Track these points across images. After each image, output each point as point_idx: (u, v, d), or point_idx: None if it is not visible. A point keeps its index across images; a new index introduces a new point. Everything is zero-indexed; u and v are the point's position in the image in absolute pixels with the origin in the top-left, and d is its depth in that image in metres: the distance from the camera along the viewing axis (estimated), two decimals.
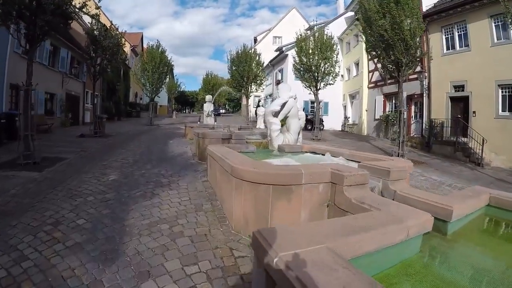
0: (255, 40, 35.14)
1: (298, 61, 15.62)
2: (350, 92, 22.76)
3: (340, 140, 15.79)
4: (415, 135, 15.82)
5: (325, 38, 15.35)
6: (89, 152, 7.89)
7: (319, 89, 15.60)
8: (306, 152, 6.27)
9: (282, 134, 6.70)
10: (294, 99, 6.80)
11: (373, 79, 19.37)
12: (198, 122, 18.62)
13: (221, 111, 44.49)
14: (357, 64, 21.60)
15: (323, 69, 15.18)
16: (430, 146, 14.18)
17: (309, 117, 22.44)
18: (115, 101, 26.22)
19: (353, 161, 5.26)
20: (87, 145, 9.11)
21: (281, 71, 26.37)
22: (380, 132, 18.47)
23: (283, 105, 6.62)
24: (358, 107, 21.19)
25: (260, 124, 19.96)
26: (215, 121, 16.03)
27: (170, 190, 4.56)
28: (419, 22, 10.12)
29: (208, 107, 15.03)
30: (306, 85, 15.66)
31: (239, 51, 22.31)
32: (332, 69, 15.43)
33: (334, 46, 15.51)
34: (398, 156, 10.88)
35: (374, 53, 11.55)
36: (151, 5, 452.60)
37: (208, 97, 15.77)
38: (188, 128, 12.86)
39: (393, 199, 3.70)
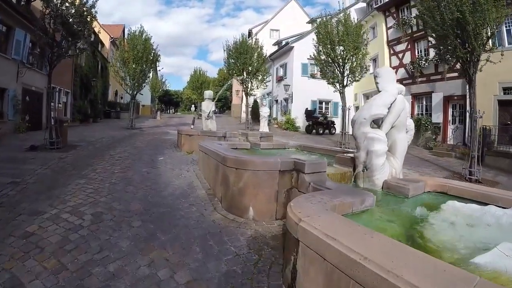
0: (250, 33, 31.83)
1: (319, 52, 12.59)
2: (364, 91, 19.94)
3: None
4: (458, 143, 13.18)
5: (352, 23, 12.43)
6: (21, 187, 4.44)
7: (346, 85, 12.63)
8: (445, 195, 3.19)
9: (387, 160, 3.59)
10: (404, 95, 3.73)
11: (397, 77, 16.65)
12: (192, 126, 15.11)
13: None
14: (374, 60, 18.83)
15: (351, 62, 12.25)
16: (482, 158, 11.61)
17: (320, 119, 19.62)
18: (90, 100, 22.41)
19: None
20: (29, 167, 5.62)
21: (283, 66, 23.25)
22: None
23: (390, 106, 3.53)
24: None
25: (263, 128, 16.65)
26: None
27: None
28: (502, 5, 7.91)
29: (208, 106, 11.06)
30: (329, 81, 12.63)
31: (238, 41, 18.95)
32: (361, 62, 12.55)
33: (365, 35, 12.64)
34: (471, 175, 8.36)
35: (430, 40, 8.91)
36: (136, 4, 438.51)
37: (209, 93, 11.20)
38: (183, 136, 9.43)
39: None
